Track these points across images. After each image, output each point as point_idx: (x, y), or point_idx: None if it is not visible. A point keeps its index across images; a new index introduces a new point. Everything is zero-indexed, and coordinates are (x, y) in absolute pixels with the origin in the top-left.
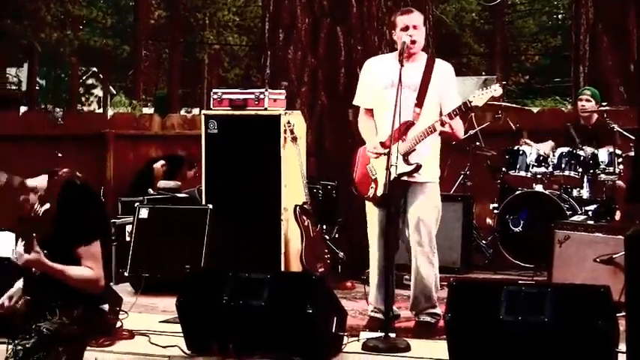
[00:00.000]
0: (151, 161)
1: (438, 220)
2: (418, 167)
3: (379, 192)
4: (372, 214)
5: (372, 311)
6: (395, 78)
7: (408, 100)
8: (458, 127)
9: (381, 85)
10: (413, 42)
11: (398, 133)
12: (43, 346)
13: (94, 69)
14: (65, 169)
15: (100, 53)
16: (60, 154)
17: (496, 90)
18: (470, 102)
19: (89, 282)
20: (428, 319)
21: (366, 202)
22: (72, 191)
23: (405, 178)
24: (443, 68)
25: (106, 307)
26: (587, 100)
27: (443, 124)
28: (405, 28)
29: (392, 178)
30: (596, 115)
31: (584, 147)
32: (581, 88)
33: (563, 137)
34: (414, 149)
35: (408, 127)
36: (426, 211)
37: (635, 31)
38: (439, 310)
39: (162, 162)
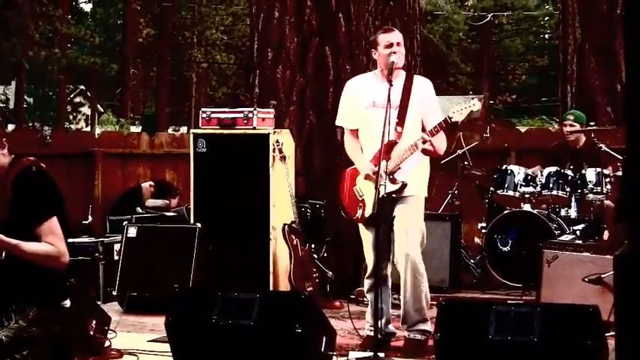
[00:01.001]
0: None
1: (424, 234)
2: (404, 186)
3: (367, 213)
4: (366, 234)
5: (368, 329)
6: (375, 98)
7: (390, 119)
8: (440, 143)
9: (362, 106)
10: (398, 58)
11: (382, 153)
12: (5, 354)
13: (82, 87)
14: (30, 157)
15: (88, 71)
16: None
17: (474, 104)
18: (450, 118)
19: (49, 257)
20: (418, 336)
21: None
22: (25, 176)
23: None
24: (421, 84)
25: (67, 303)
26: (571, 125)
27: (424, 141)
28: (390, 46)
29: (380, 197)
30: (584, 138)
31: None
32: (568, 107)
33: (551, 157)
34: (399, 167)
35: (392, 146)
36: (410, 224)
37: (621, 52)
38: (429, 326)
39: (150, 182)
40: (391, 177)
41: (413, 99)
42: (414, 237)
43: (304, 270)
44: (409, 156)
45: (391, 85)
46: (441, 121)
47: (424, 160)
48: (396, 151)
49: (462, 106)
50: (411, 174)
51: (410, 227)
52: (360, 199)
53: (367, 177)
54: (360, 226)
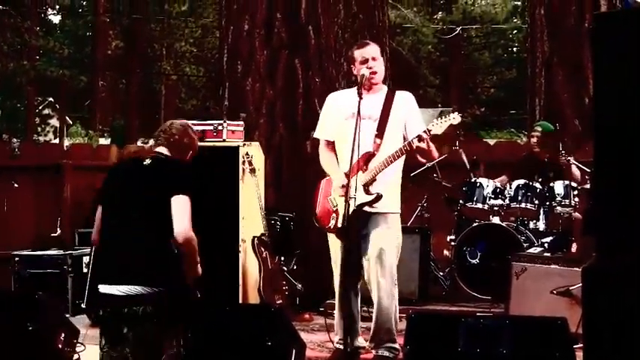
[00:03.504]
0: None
1: (399, 252)
2: (379, 197)
3: (340, 223)
4: (335, 245)
5: (337, 343)
6: (355, 110)
7: (369, 131)
8: (432, 146)
9: (342, 117)
10: (373, 73)
11: (358, 165)
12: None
13: (51, 99)
14: None
15: (57, 83)
16: (16, 185)
17: (454, 118)
18: (429, 130)
19: None
20: (386, 353)
21: (329, 234)
22: None
23: (366, 208)
24: (404, 98)
25: None
26: (538, 137)
27: (421, 139)
28: (365, 61)
29: (352, 210)
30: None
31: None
32: (537, 120)
33: (519, 170)
34: (375, 179)
35: (369, 158)
36: (387, 243)
37: (589, 65)
38: (398, 344)
39: None
40: (366, 188)
41: (394, 112)
42: (389, 258)
43: (274, 283)
44: (388, 166)
45: (361, 98)
46: (420, 133)
47: (398, 176)
48: (373, 163)
49: (442, 119)
50: (386, 188)
51: (386, 247)
52: (334, 209)
53: (342, 188)
54: (331, 237)
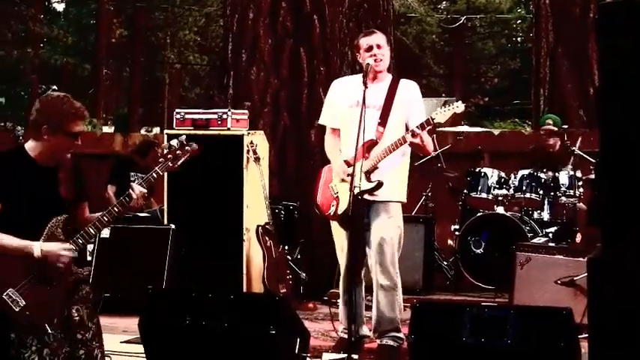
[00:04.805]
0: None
1: (401, 241)
2: (380, 184)
3: (340, 210)
4: (338, 234)
5: (341, 331)
6: (360, 97)
7: (372, 119)
8: (429, 140)
9: (346, 104)
10: (378, 60)
11: (360, 152)
12: None
13: (54, 87)
14: None
15: (61, 71)
16: None
17: (458, 107)
18: (432, 118)
19: None
20: (391, 342)
21: (332, 222)
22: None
23: (366, 196)
24: (408, 87)
25: None
26: (549, 130)
27: (415, 135)
28: (369, 49)
29: (353, 197)
30: (559, 142)
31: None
32: (541, 110)
33: (528, 161)
34: (377, 167)
35: (371, 145)
36: (388, 231)
37: (594, 55)
38: (402, 334)
39: (112, 187)
40: (367, 175)
41: (397, 101)
42: (391, 246)
43: (278, 272)
44: (390, 154)
45: (366, 87)
46: (424, 122)
47: (403, 165)
48: (375, 151)
49: (446, 108)
50: (389, 176)
51: (387, 234)
52: (335, 195)
53: (342, 181)
54: (334, 225)
